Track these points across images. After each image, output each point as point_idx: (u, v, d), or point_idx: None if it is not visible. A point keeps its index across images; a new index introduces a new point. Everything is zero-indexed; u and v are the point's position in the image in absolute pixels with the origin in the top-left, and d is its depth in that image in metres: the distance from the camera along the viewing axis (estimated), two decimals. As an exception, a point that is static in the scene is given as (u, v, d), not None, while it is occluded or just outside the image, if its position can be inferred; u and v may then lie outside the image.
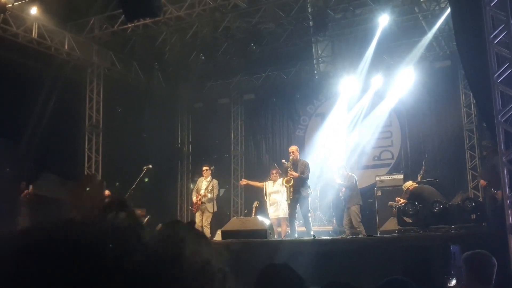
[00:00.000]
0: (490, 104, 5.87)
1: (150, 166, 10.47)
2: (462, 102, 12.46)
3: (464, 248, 4.79)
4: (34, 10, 10.82)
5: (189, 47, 13.00)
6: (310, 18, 11.92)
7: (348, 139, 13.15)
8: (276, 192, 10.04)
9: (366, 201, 10.76)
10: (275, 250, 6.92)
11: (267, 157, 14.54)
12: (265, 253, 6.75)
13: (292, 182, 9.16)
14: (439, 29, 11.74)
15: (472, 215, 8.44)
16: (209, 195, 10.44)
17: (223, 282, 0.63)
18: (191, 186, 13.68)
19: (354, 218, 10.01)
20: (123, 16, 10.49)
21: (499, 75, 5.87)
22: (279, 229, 9.96)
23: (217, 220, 11.05)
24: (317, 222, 11.73)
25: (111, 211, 0.61)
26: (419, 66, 12.37)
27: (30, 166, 11.74)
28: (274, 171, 10.38)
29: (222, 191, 12.49)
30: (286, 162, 9.56)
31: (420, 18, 12.04)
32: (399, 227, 9.34)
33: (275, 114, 14.93)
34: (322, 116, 14.02)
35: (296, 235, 9.29)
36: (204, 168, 10.82)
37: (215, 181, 10.59)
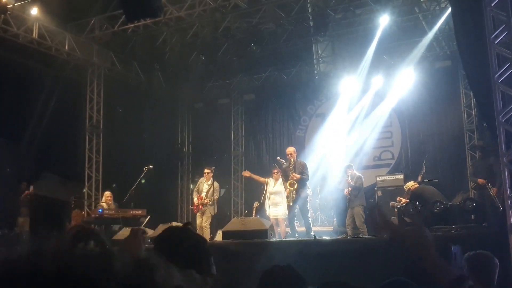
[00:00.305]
0: (491, 104, 5.86)
1: (151, 166, 10.49)
2: (462, 102, 12.45)
3: (465, 248, 4.77)
4: (34, 11, 10.83)
5: (189, 47, 13.01)
6: (310, 18, 11.91)
7: (348, 140, 13.13)
8: (276, 193, 10.03)
9: (367, 202, 10.75)
10: (276, 251, 6.92)
11: (268, 157, 14.52)
12: (265, 254, 6.74)
13: (296, 185, 9.17)
14: (440, 29, 11.73)
15: (472, 216, 8.44)
16: (211, 202, 10.43)
17: None
18: (192, 186, 13.69)
19: (358, 218, 9.99)
20: (123, 17, 10.49)
21: (500, 75, 5.86)
22: (278, 230, 9.96)
23: (218, 220, 11.05)
24: (318, 222, 11.74)
25: (80, 240, 0.60)
26: (419, 66, 12.37)
27: (31, 166, 11.75)
28: (275, 171, 10.39)
29: (222, 191, 12.48)
30: (281, 160, 9.57)
31: (421, 18, 12.03)
32: (400, 227, 9.31)
33: (276, 115, 14.93)
34: (322, 116, 14.02)
35: (296, 235, 9.29)
36: (206, 171, 10.78)
37: (216, 184, 10.55)
